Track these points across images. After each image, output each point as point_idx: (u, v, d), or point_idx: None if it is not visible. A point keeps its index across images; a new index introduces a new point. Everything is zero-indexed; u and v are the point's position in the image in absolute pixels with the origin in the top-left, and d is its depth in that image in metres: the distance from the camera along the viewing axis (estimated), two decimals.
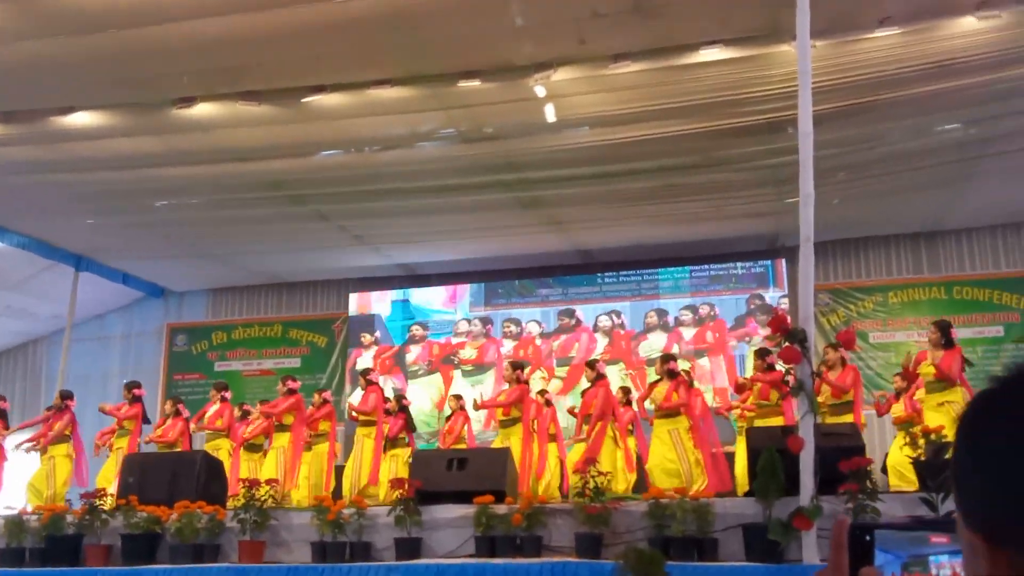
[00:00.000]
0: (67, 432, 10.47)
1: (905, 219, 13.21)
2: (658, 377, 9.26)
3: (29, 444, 10.59)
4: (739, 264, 14.12)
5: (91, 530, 6.98)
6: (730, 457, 10.01)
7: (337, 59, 8.84)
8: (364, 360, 14.91)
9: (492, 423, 10.56)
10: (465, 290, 15.13)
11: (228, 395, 10.99)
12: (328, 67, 9.02)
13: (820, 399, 8.39)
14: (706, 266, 14.22)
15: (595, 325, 14.46)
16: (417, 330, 15.08)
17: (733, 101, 9.35)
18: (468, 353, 14.73)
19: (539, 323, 14.69)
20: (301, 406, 10.18)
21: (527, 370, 10.75)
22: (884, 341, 13.27)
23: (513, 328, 14.74)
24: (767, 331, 13.26)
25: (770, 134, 10.03)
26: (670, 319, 14.18)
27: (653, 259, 14.22)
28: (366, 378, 10.38)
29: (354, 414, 10.56)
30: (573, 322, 14.52)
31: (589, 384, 9.72)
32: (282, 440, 10.07)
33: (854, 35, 8.36)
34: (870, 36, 8.35)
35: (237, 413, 10.87)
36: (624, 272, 14.52)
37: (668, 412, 8.83)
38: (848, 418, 8.85)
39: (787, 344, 5.71)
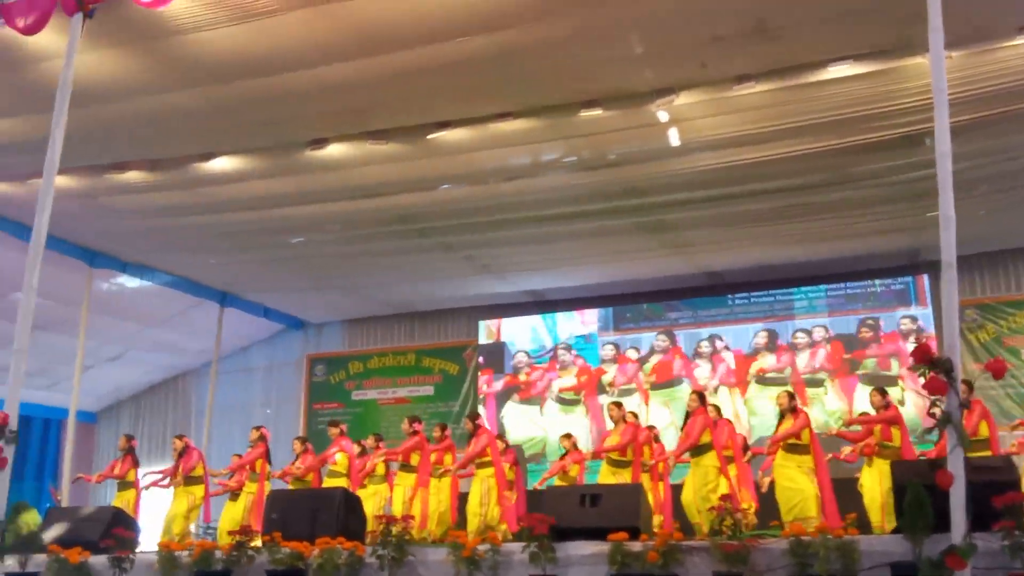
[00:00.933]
0: (198, 473, 10.82)
1: None
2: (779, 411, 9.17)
3: (157, 478, 11.03)
4: (877, 281, 13.60)
5: (239, 566, 7.22)
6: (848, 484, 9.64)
7: (459, 95, 9.00)
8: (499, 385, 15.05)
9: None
10: (593, 316, 15.06)
11: (343, 429, 11.15)
12: (450, 103, 9.19)
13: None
14: (842, 284, 13.76)
15: (695, 350, 14.30)
16: (564, 355, 15.05)
17: (865, 116, 9.05)
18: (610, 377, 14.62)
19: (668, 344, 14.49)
20: (424, 445, 10.34)
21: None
22: None
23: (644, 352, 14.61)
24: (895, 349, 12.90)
25: (906, 148, 9.65)
26: (781, 340, 13.85)
27: (784, 279, 13.89)
28: (474, 422, 10.48)
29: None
30: (710, 348, 14.26)
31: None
32: (408, 480, 10.24)
33: (991, 44, 7.97)
34: (1009, 44, 7.95)
35: (356, 449, 10.99)
36: (756, 293, 14.20)
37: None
38: (986, 453, 8.44)
39: (931, 374, 5.45)
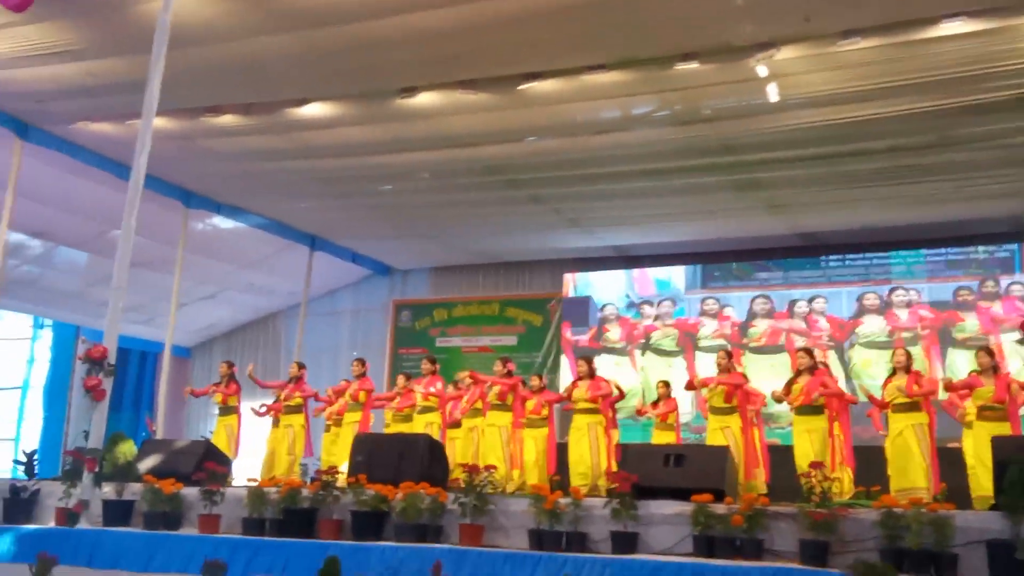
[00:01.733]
0: (301, 401, 11.17)
1: None
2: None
3: (265, 409, 11.39)
4: (980, 247, 13.12)
5: (324, 505, 7.39)
6: (954, 453, 9.32)
7: (551, 46, 8.87)
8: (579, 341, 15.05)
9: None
10: (680, 274, 14.90)
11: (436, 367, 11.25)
12: (543, 54, 9.06)
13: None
14: (943, 249, 13.31)
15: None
16: (654, 309, 14.98)
17: (976, 76, 8.65)
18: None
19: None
20: (519, 387, 10.31)
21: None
22: None
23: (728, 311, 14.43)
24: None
25: (1016, 111, 9.22)
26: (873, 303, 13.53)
27: (882, 242, 13.49)
28: (589, 365, 10.21)
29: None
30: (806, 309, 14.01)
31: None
32: (503, 419, 10.17)
33: None
34: None
35: (449, 389, 11.13)
36: (851, 256, 13.85)
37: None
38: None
39: None
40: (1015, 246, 12.91)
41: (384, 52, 9.03)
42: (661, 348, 14.73)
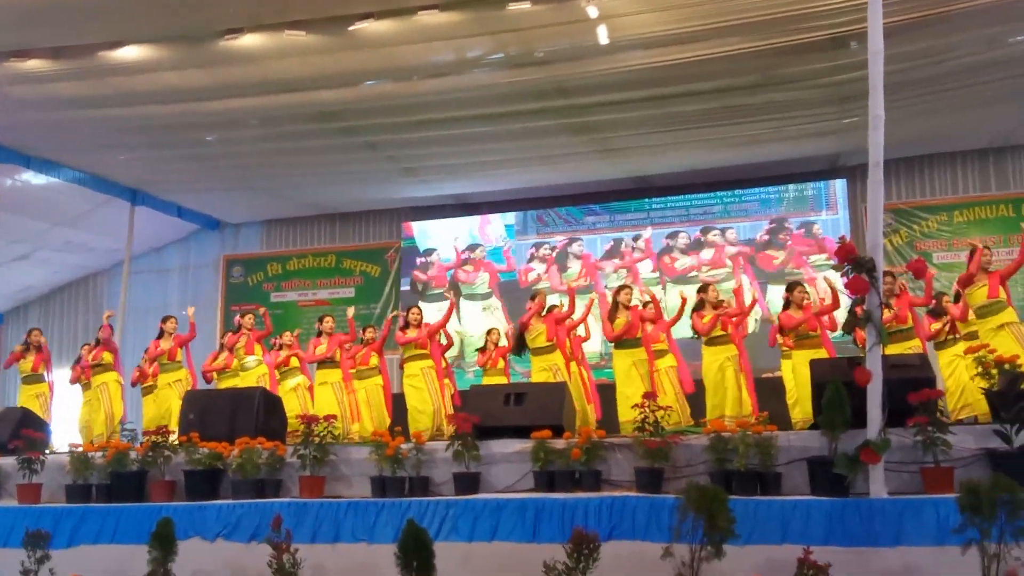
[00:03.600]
0: (111, 359, 10.68)
1: (973, 135, 12.72)
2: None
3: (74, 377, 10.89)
4: (791, 186, 13.83)
5: (155, 466, 7.10)
6: (774, 383, 9.82)
7: None
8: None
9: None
10: (509, 219, 15.09)
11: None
12: None
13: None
14: (758, 189, 13.95)
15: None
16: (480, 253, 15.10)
17: (794, 16, 8.95)
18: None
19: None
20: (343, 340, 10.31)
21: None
22: (949, 261, 12.89)
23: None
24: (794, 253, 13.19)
25: (833, 51, 9.63)
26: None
27: (711, 182, 13.98)
28: (418, 314, 10.19)
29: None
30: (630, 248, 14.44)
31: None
32: (333, 376, 10.12)
33: None
34: None
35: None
36: (672, 197, 14.35)
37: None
38: (912, 343, 8.67)
39: (854, 274, 5.50)
40: (822, 184, 13.72)
41: None
42: (475, 293, 14.93)
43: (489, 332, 10.88)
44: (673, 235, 14.27)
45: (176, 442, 7.32)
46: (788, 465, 5.82)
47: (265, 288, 16.12)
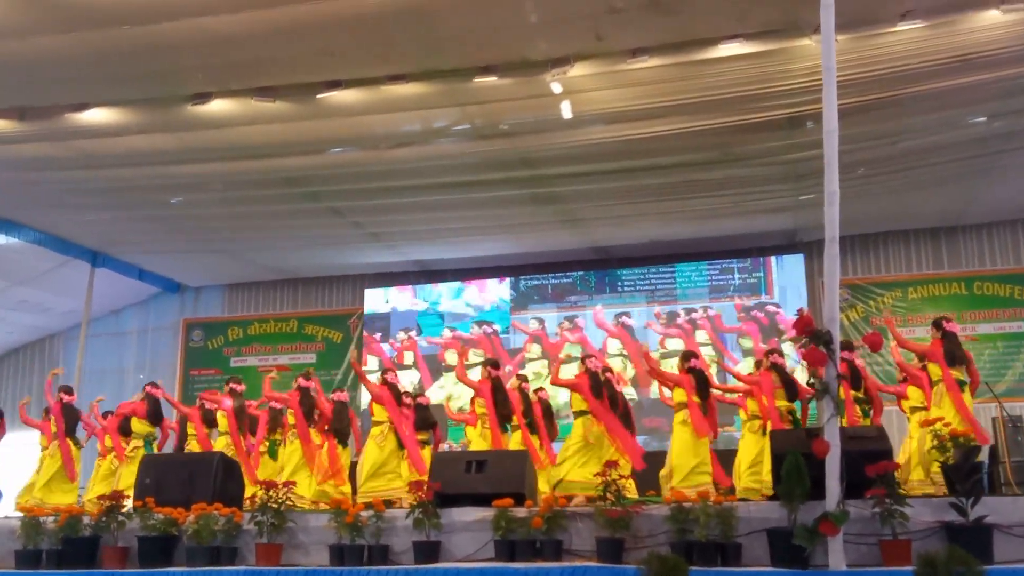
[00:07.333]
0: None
1: (925, 214, 13.09)
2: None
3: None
4: (735, 261, 14.09)
5: (108, 532, 6.94)
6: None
7: (352, 55, 8.78)
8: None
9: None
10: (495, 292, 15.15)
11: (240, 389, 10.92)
12: (343, 63, 8.95)
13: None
14: (718, 262, 14.18)
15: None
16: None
17: (753, 96, 9.24)
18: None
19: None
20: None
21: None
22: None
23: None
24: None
25: (790, 129, 9.93)
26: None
27: (669, 255, 14.18)
28: (382, 376, 10.11)
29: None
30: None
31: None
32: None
33: (876, 29, 8.24)
34: (892, 30, 8.23)
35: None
36: (639, 269, 14.50)
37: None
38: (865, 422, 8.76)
39: (812, 346, 5.60)
40: (760, 272, 14.00)
41: (174, 56, 8.64)
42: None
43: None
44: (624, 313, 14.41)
45: (131, 508, 7.17)
46: (749, 536, 5.83)
47: (225, 353, 15.97)
